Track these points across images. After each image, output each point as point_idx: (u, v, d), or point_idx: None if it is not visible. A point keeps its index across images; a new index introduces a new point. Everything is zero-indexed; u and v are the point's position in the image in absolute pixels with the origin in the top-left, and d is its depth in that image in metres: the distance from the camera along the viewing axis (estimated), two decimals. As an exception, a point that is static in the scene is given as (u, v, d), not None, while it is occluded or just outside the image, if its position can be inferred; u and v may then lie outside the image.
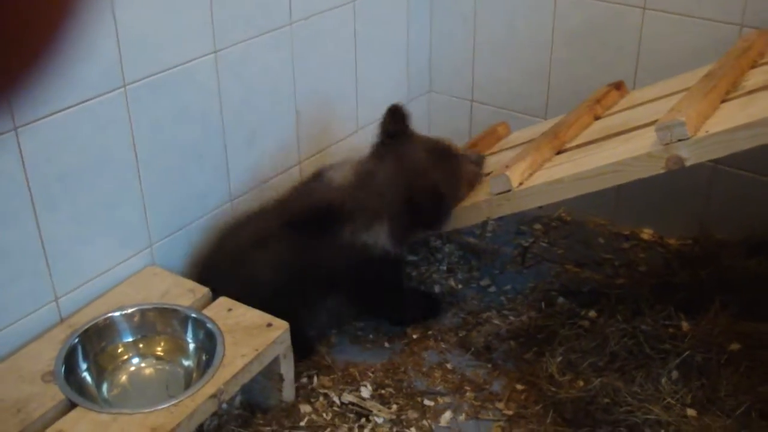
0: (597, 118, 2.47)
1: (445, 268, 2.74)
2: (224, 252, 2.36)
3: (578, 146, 2.28)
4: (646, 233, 2.85)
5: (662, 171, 1.91)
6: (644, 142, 1.98)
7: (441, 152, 2.40)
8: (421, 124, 3.22)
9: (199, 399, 1.89)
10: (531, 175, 2.19)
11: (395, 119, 2.41)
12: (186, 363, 2.12)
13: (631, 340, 2.27)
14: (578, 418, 2.09)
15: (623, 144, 2.08)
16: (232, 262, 2.32)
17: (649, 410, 2.06)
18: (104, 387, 2.06)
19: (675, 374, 2.19)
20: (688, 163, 1.87)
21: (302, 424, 2.14)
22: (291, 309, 2.19)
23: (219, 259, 2.37)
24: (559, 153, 2.31)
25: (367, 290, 2.40)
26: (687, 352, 2.22)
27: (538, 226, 2.95)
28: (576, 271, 2.68)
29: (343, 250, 2.27)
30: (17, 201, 1.94)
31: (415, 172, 2.30)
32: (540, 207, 2.90)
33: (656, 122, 1.96)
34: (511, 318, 2.49)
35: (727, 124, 1.85)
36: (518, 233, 2.92)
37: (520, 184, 2.16)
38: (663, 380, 2.16)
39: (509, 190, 2.15)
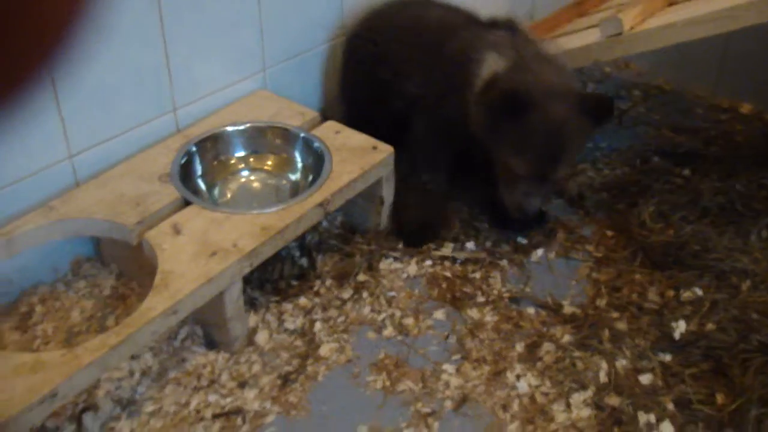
0: (711, -23, 2.46)
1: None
2: None
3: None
4: (745, 108, 2.85)
5: (777, 19, 1.92)
6: (762, -9, 1.99)
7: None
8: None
9: (308, 206, 1.99)
10: (642, 21, 2.21)
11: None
12: (293, 177, 2.22)
13: (723, 198, 2.32)
14: (667, 262, 2.16)
15: (739, -5, 2.09)
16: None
17: (738, 259, 2.11)
18: (215, 193, 2.18)
19: (765, 233, 2.23)
20: (806, 10, 1.88)
21: (399, 247, 2.25)
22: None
23: None
24: (671, 5, 2.32)
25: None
26: (779, 213, 2.26)
27: (636, 92, 2.96)
28: (672, 135, 2.70)
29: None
30: (147, 12, 2.03)
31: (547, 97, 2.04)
32: (639, 75, 2.95)
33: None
34: (606, 171, 2.54)
35: None
36: (617, 97, 2.94)
37: (632, 28, 2.18)
38: (752, 237, 2.21)
39: (620, 33, 2.18)
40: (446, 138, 2.28)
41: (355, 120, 2.36)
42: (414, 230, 2.28)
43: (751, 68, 2.78)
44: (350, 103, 2.50)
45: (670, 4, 2.31)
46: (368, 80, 2.40)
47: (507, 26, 2.26)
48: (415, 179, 2.34)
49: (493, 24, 2.28)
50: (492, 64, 2.12)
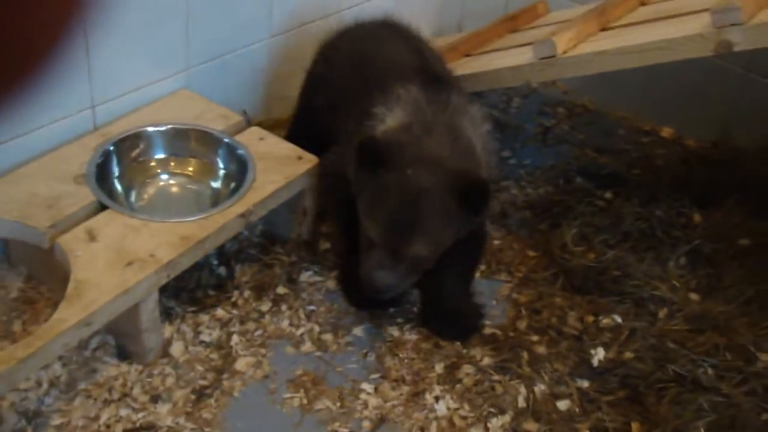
0: (643, 4, 2.47)
1: (468, 133, 2.78)
2: None
3: (625, 26, 2.30)
4: (666, 131, 2.89)
5: (710, 54, 1.93)
6: (695, 24, 2.00)
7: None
8: (457, -5, 3.22)
9: (229, 216, 1.94)
10: (575, 45, 2.21)
11: None
12: (214, 185, 2.16)
13: (644, 223, 2.34)
14: (587, 287, 2.17)
15: (673, 26, 2.11)
16: None
17: (657, 287, 2.13)
18: (132, 196, 2.10)
19: (683, 260, 2.27)
20: (737, 48, 1.90)
21: (321, 260, 2.21)
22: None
23: None
24: (604, 30, 2.33)
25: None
26: (697, 242, 2.30)
27: (561, 110, 2.98)
28: (594, 156, 2.72)
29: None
30: None
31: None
32: (565, 93, 2.97)
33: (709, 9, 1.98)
34: (529, 190, 2.54)
35: (782, 14, 1.88)
36: (541, 114, 2.95)
37: (565, 52, 2.18)
38: (671, 264, 2.24)
39: (553, 56, 2.18)
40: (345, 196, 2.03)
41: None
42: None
43: (673, 93, 2.82)
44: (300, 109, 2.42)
45: (603, 29, 2.32)
46: (318, 96, 2.31)
47: (438, 83, 2.04)
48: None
49: (430, 79, 2.05)
50: (388, 122, 1.94)
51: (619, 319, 2.08)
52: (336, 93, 2.22)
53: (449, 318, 2.09)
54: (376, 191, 1.84)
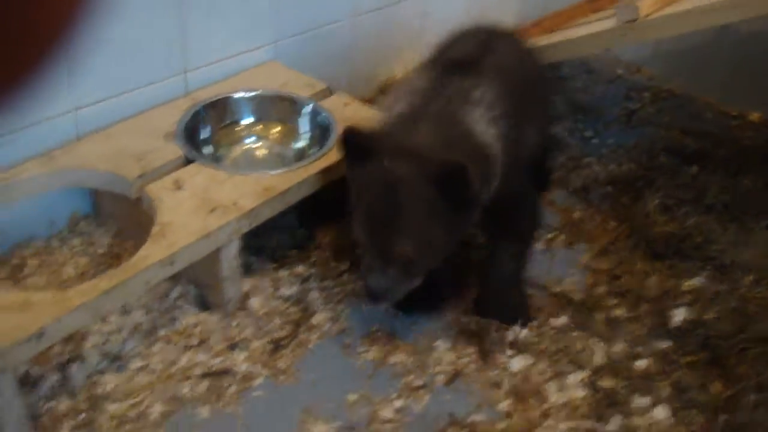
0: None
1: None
2: None
3: (706, -8, 2.29)
4: (755, 116, 2.83)
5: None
6: (778, -17, 1.99)
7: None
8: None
9: (312, 170, 1.97)
10: (657, 10, 2.21)
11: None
12: (298, 146, 2.20)
13: (728, 195, 2.30)
14: (668, 253, 2.14)
15: (755, -12, 2.09)
16: None
17: (740, 253, 2.09)
18: (218, 156, 2.15)
19: (768, 233, 2.22)
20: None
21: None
22: None
23: None
24: (685, -2, 2.33)
25: None
26: (784, 213, 2.25)
27: (647, 94, 2.95)
28: (680, 137, 2.69)
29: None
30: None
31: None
32: (650, 79, 2.95)
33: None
34: (612, 166, 2.52)
35: None
36: (627, 98, 2.93)
37: (647, 15, 2.18)
38: (755, 234, 2.19)
39: (635, 19, 2.17)
40: None
41: None
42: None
43: (761, 79, 2.78)
44: None
45: (684, -3, 2.32)
46: None
47: (458, 69, 1.89)
48: None
49: (453, 65, 1.92)
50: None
51: (700, 283, 2.04)
52: None
53: (494, 301, 2.02)
54: (359, 186, 1.74)
